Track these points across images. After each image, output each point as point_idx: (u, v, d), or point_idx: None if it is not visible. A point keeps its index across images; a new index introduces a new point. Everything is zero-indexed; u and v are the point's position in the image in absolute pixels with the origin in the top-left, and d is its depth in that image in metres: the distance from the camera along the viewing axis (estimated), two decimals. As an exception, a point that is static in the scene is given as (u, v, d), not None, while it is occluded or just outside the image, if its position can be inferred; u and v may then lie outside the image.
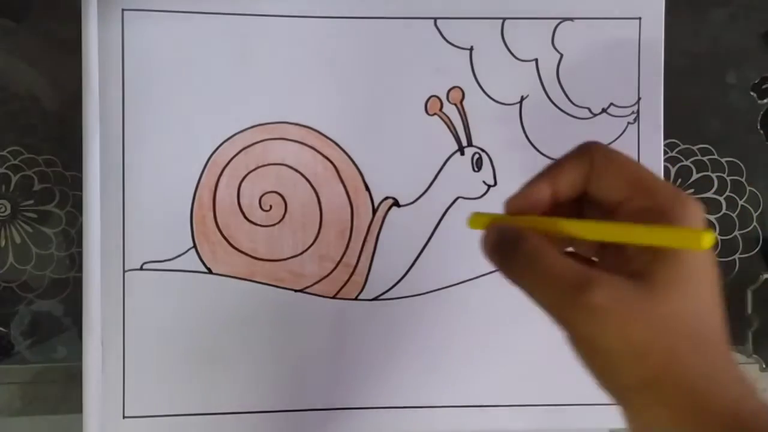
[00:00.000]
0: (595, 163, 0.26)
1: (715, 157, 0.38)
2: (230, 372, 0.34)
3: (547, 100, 0.35)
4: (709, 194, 0.38)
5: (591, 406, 0.35)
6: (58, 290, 0.36)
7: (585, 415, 0.34)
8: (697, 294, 0.23)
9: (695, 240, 0.21)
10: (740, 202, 0.38)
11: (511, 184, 0.35)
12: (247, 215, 0.34)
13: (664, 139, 0.36)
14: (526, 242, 0.25)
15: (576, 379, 0.32)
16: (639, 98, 0.35)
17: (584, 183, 0.26)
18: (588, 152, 0.26)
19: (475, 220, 0.27)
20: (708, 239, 0.21)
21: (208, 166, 0.34)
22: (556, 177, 0.26)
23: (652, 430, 0.23)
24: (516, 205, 0.27)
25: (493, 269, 0.29)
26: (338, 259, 0.35)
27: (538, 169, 0.35)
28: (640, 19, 0.35)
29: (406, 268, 0.35)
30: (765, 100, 0.38)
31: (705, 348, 0.22)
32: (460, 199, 0.35)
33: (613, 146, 0.35)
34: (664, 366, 0.22)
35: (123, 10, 0.33)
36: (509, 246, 0.25)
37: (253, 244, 0.34)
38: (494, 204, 0.33)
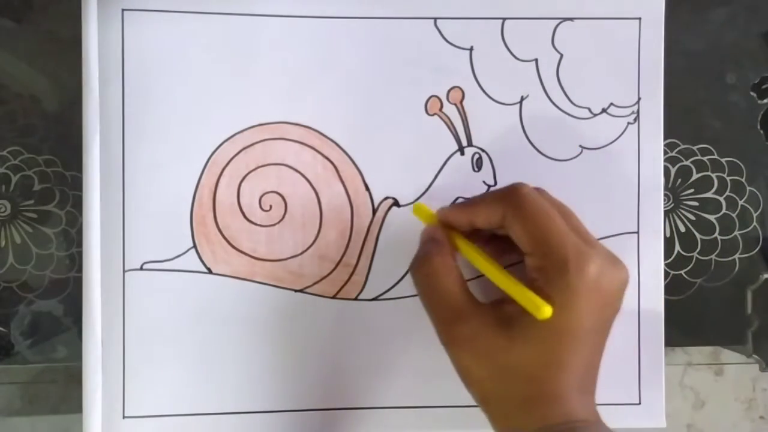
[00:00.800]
0: (508, 213, 0.29)
1: (715, 157, 0.38)
2: (230, 372, 0.34)
3: (547, 100, 0.35)
4: (709, 194, 0.38)
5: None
6: (58, 290, 0.36)
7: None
8: (541, 347, 0.28)
9: (535, 308, 0.26)
10: (740, 202, 0.38)
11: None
12: (247, 215, 0.34)
13: (664, 139, 0.36)
14: (431, 261, 0.30)
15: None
16: (639, 98, 0.35)
17: (501, 224, 0.29)
18: (504, 200, 0.29)
19: (418, 209, 0.32)
20: (545, 312, 0.26)
21: (208, 166, 0.34)
22: (475, 212, 0.30)
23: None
24: (441, 218, 0.31)
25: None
26: (338, 259, 0.35)
27: (538, 169, 0.35)
28: (640, 19, 0.35)
29: (406, 268, 0.35)
30: (765, 100, 0.38)
31: (534, 390, 0.28)
32: (460, 199, 0.35)
33: (613, 146, 0.36)
34: (490, 393, 0.29)
35: (123, 10, 0.33)
36: (423, 253, 0.31)
37: (253, 244, 0.34)
38: (494, 204, 0.33)
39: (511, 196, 0.29)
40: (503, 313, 0.29)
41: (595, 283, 0.27)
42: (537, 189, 0.31)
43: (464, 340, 0.29)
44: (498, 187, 0.35)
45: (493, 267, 0.29)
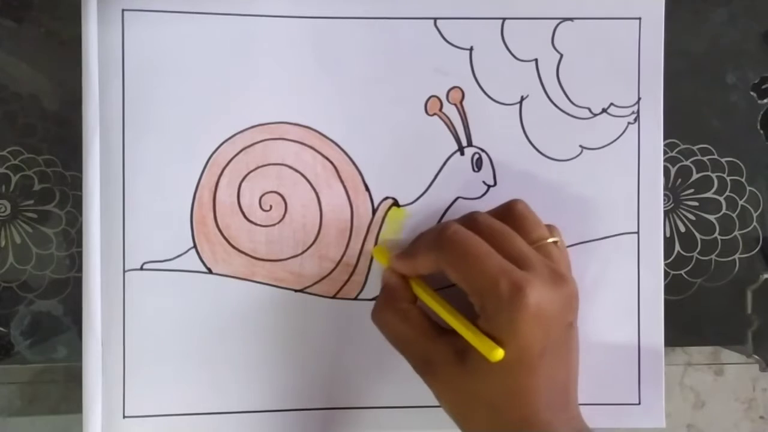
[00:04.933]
0: (440, 259, 0.30)
1: (715, 157, 0.38)
2: (230, 372, 0.34)
3: (547, 100, 0.35)
4: (709, 194, 0.38)
5: (593, 405, 0.35)
6: (58, 290, 0.36)
7: (587, 414, 0.34)
8: (498, 379, 0.28)
9: (488, 351, 0.27)
10: (740, 202, 0.38)
11: (511, 184, 0.35)
12: (247, 215, 0.34)
13: (664, 139, 0.36)
14: (385, 310, 0.32)
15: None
16: (639, 98, 0.35)
17: (439, 267, 0.30)
18: (435, 246, 0.30)
19: (378, 252, 0.34)
20: (497, 355, 0.27)
21: (208, 166, 0.34)
22: (415, 261, 0.31)
23: None
24: (392, 267, 0.33)
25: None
26: (338, 259, 0.35)
27: (538, 169, 0.35)
28: (640, 19, 0.35)
29: (406, 268, 0.35)
30: (765, 100, 0.38)
31: (498, 416, 0.29)
32: (460, 199, 0.35)
33: (613, 146, 0.36)
34: (462, 419, 0.30)
35: (123, 10, 0.33)
36: (379, 302, 0.33)
37: (253, 244, 0.34)
38: (493, 204, 0.33)
39: (438, 242, 0.30)
40: (460, 344, 0.29)
41: (535, 310, 0.27)
42: (470, 218, 0.31)
43: (428, 373, 0.31)
44: (498, 186, 0.35)
45: (446, 309, 0.30)
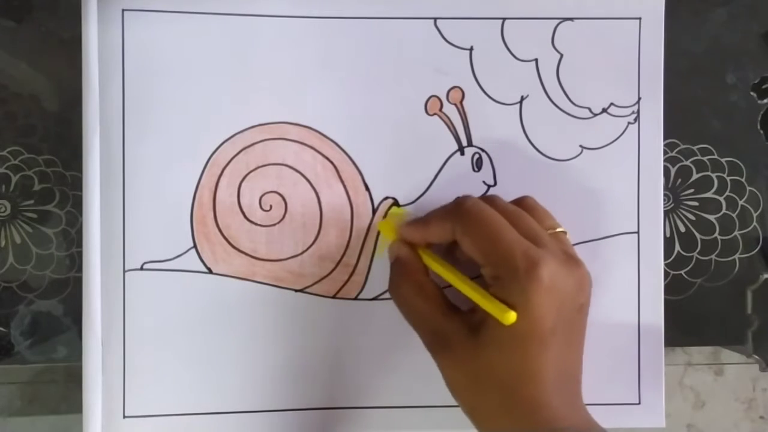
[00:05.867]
0: (456, 228, 0.30)
1: (715, 157, 0.38)
2: (230, 372, 0.34)
3: (547, 100, 0.35)
4: (709, 194, 0.38)
5: (593, 405, 0.35)
6: (58, 290, 0.36)
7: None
8: (510, 353, 0.28)
9: (500, 314, 0.27)
10: (740, 202, 0.38)
11: (511, 184, 0.35)
12: (247, 215, 0.34)
13: (664, 139, 0.36)
14: (401, 284, 0.32)
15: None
16: (639, 98, 0.35)
17: (452, 239, 0.30)
18: (451, 216, 0.30)
19: (383, 226, 0.34)
20: (509, 317, 0.27)
21: (208, 166, 0.34)
22: (427, 229, 0.32)
23: None
24: (400, 236, 0.33)
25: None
26: (338, 258, 0.35)
27: (538, 169, 0.35)
28: (640, 19, 0.35)
29: (406, 268, 0.35)
30: (765, 100, 0.38)
31: (507, 395, 0.29)
32: (460, 199, 0.35)
33: (613, 146, 0.35)
34: (472, 403, 0.30)
35: (123, 10, 0.33)
36: (393, 276, 0.33)
37: (253, 244, 0.34)
38: (494, 204, 0.33)
39: (457, 212, 0.30)
40: (474, 320, 0.30)
41: (548, 284, 0.28)
42: (488, 197, 0.32)
43: (442, 350, 0.30)
44: (498, 186, 0.35)
45: (458, 276, 0.30)
